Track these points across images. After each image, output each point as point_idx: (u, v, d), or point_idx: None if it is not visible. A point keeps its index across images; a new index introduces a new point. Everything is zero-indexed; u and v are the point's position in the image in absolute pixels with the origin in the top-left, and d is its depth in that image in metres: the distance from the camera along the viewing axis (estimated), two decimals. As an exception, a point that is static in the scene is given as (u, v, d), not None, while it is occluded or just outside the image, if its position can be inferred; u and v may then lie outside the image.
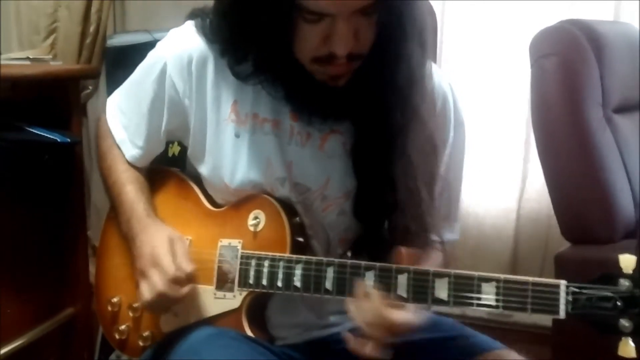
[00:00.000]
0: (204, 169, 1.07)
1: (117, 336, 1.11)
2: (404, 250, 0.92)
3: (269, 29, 0.90)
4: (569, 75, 1.59)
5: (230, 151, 1.04)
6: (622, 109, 1.68)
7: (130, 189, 1.10)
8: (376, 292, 0.89)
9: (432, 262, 1.07)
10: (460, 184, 1.16)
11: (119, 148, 1.14)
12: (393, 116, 0.96)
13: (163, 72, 1.05)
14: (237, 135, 1.03)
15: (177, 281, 0.98)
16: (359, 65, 0.93)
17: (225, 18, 0.96)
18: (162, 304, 1.00)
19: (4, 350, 1.40)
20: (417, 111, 0.97)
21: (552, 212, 1.67)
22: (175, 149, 1.27)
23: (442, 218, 1.14)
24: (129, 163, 1.13)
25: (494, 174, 2.15)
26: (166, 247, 1.00)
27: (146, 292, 0.98)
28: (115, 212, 1.12)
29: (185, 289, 0.98)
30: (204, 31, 1.01)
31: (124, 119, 1.14)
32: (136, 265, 1.02)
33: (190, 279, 0.99)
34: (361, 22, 0.88)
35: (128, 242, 1.07)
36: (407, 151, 0.97)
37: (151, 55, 1.10)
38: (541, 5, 1.99)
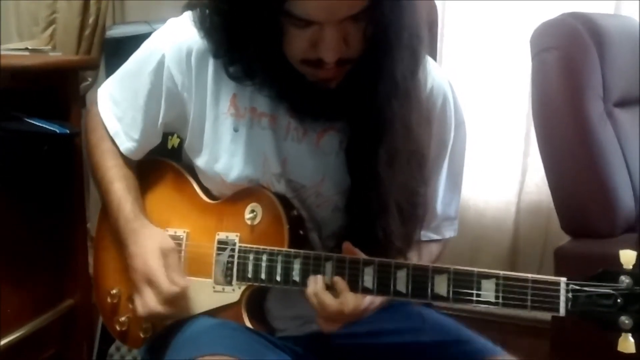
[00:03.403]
0: (200, 162, 1.06)
1: (117, 327, 1.11)
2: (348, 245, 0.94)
3: (258, 30, 0.89)
4: (570, 69, 1.58)
5: (227, 145, 1.03)
6: (623, 103, 1.68)
7: (118, 187, 1.08)
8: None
9: (428, 257, 1.08)
10: (461, 183, 1.16)
11: (111, 141, 1.11)
12: (385, 117, 0.94)
13: (161, 64, 1.03)
14: (235, 130, 1.02)
15: (170, 300, 0.98)
16: (352, 67, 0.92)
17: (220, 15, 0.94)
18: (158, 318, 1.02)
19: (4, 341, 1.40)
20: (407, 113, 0.95)
21: (552, 205, 1.67)
22: (174, 141, 1.26)
23: (445, 217, 1.14)
24: (118, 157, 1.11)
25: (495, 168, 2.15)
26: (158, 261, 1.00)
27: (141, 309, 1.00)
28: (104, 208, 1.12)
29: (180, 305, 1.00)
30: (202, 25, 0.98)
31: (117, 111, 1.11)
32: (130, 276, 1.03)
33: (184, 292, 1.00)
34: (351, 28, 0.87)
35: (119, 242, 1.06)
36: (401, 151, 0.96)
37: (147, 46, 1.07)
38: (542, -1, 1.98)
